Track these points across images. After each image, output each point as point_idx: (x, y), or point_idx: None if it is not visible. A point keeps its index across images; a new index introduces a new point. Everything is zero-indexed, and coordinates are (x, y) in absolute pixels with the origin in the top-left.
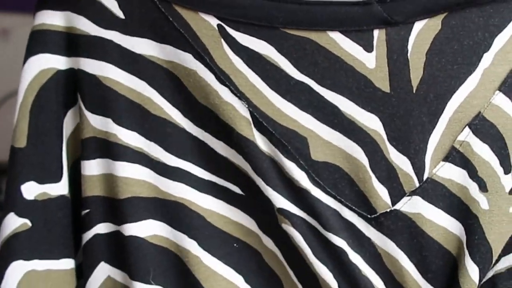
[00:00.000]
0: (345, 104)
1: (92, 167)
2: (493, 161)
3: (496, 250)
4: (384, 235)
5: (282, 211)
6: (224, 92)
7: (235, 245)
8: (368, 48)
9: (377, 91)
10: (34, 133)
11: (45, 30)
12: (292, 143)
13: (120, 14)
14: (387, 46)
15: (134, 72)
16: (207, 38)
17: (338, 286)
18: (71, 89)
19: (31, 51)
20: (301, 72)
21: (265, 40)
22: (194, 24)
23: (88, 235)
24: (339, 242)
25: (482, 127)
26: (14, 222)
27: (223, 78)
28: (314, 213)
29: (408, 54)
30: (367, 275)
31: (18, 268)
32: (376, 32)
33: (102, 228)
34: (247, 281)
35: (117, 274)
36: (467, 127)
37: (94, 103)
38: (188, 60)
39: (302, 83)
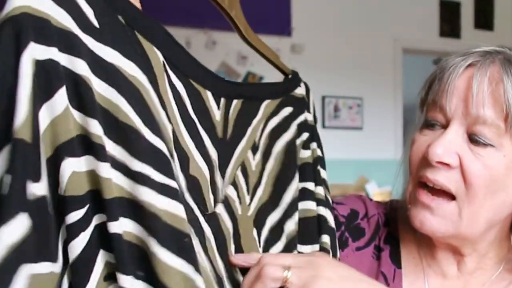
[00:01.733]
0: (206, 140)
1: (82, 164)
2: (244, 186)
3: (243, 237)
4: (208, 226)
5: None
6: (163, 115)
7: (185, 240)
8: (218, 107)
9: (217, 135)
10: None
11: (26, 14)
12: (184, 160)
13: (95, 23)
14: (224, 109)
15: (105, 79)
16: (157, 69)
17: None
18: (49, 81)
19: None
20: (194, 112)
21: (181, 83)
22: (150, 55)
23: (89, 230)
24: (188, 231)
25: (242, 168)
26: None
27: (163, 104)
28: (185, 211)
29: (229, 118)
30: (198, 252)
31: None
32: (222, 99)
33: (96, 219)
34: (196, 270)
35: (111, 257)
36: (239, 167)
37: (81, 102)
38: (146, 81)
39: (193, 120)
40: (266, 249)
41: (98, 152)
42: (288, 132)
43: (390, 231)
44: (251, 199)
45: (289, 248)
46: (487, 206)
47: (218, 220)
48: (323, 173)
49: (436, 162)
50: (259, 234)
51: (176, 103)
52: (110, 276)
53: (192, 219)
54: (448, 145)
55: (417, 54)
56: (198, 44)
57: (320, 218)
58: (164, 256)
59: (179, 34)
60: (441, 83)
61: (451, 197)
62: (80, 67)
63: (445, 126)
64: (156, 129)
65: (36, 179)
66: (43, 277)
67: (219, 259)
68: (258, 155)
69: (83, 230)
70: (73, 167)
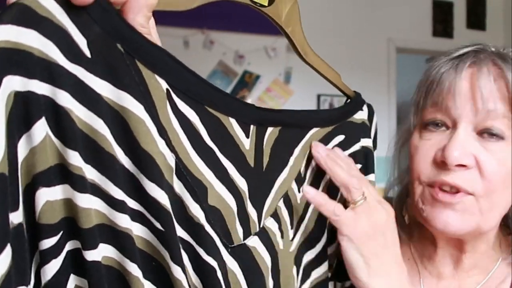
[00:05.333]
0: (231, 169)
1: (57, 193)
2: (288, 220)
3: (282, 273)
4: (233, 258)
5: (179, 238)
6: (161, 143)
7: (153, 263)
8: (247, 135)
9: (248, 165)
10: None
11: (13, 49)
12: (199, 190)
13: (87, 53)
14: (256, 137)
15: (93, 109)
16: (157, 97)
17: None
18: (28, 112)
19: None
20: (211, 140)
21: (193, 110)
22: (150, 83)
23: (61, 256)
24: (212, 263)
25: (286, 200)
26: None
27: (163, 132)
28: (202, 243)
29: (263, 146)
30: (222, 284)
31: None
32: (252, 126)
33: (69, 245)
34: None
35: (80, 282)
36: (282, 199)
37: (61, 133)
38: (140, 110)
39: (210, 148)
40: None
41: (76, 182)
42: None
43: None
44: (295, 234)
45: None
46: (503, 199)
47: (250, 253)
48: None
49: (455, 165)
50: (297, 272)
51: (184, 131)
52: None
53: (213, 251)
54: (463, 146)
55: (411, 54)
56: (196, 43)
57: None
58: (143, 279)
59: (177, 34)
60: (443, 86)
61: (468, 193)
62: (62, 98)
63: (449, 127)
64: (137, 159)
65: (15, 208)
66: None
67: None
68: (305, 186)
69: (55, 257)
70: (47, 196)
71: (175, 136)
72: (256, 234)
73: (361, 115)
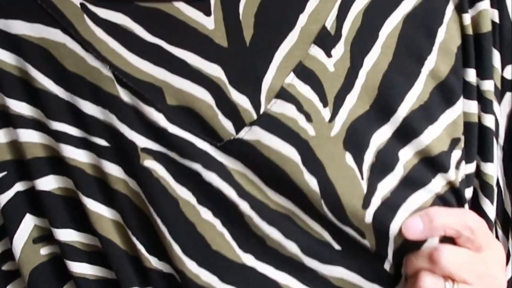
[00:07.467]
0: (191, 58)
1: (0, 136)
2: (314, 98)
3: (328, 165)
4: (232, 158)
5: (145, 150)
6: (89, 58)
7: (111, 191)
8: (207, 13)
9: (217, 46)
10: None
11: None
12: (150, 93)
13: None
14: (222, 11)
15: (13, 50)
16: (72, 15)
17: (197, 201)
18: None
19: None
20: (153, 35)
21: (121, 12)
22: (60, 5)
23: (9, 194)
24: (194, 166)
25: (302, 73)
26: None
27: (88, 46)
28: (172, 146)
29: (240, 17)
30: (220, 189)
31: None
32: (212, 0)
33: (20, 186)
34: (123, 218)
35: (41, 222)
36: (292, 72)
37: None
38: (57, 35)
39: (154, 44)
40: (372, 183)
41: (16, 122)
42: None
43: None
44: (335, 112)
45: (406, 184)
46: None
47: (252, 149)
48: (497, 58)
49: None
50: (358, 160)
51: (114, 38)
52: (41, 239)
53: (191, 153)
54: None
55: None
56: None
57: (485, 131)
58: (93, 206)
59: None
60: None
61: None
62: None
63: None
64: (68, 84)
65: None
66: None
67: (269, 191)
68: (340, 46)
69: (2, 192)
70: None
71: (104, 46)
72: (253, 124)
73: None
